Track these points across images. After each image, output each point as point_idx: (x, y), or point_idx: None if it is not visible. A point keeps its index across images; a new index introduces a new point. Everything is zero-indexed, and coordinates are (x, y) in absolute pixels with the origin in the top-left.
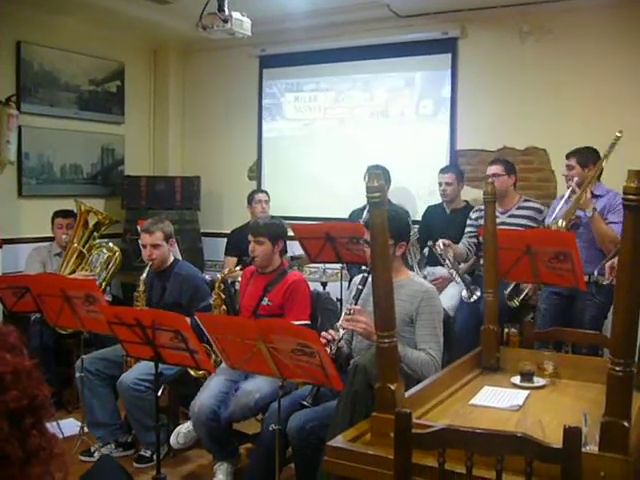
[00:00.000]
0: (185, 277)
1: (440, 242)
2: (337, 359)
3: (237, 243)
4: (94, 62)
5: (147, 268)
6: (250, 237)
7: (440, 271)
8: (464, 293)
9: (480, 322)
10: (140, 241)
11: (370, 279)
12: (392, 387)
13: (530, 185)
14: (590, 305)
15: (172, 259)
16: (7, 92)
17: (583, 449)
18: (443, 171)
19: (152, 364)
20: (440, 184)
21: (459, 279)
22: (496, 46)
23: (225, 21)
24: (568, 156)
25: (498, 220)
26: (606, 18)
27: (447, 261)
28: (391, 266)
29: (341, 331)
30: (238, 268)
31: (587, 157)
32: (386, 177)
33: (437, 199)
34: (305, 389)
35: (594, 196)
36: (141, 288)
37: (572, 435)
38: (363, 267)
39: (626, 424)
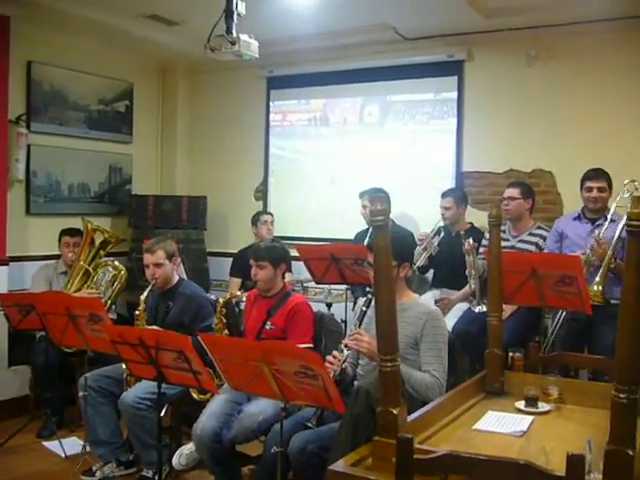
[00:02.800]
0: (189, 296)
1: None
2: (342, 381)
3: (241, 265)
4: (103, 82)
5: (148, 287)
6: (252, 261)
7: (446, 293)
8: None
9: (480, 329)
10: (144, 261)
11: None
12: (394, 411)
13: (536, 207)
14: (609, 328)
15: (177, 278)
16: (17, 111)
17: (587, 477)
18: (443, 196)
19: (153, 382)
20: (441, 208)
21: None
22: (502, 69)
23: (233, 43)
24: (597, 178)
25: (508, 243)
26: (613, 42)
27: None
28: (394, 289)
29: (345, 352)
30: (239, 292)
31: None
32: (386, 200)
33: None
34: (308, 410)
35: (607, 220)
36: (141, 307)
37: (575, 463)
38: (367, 289)
39: (630, 452)
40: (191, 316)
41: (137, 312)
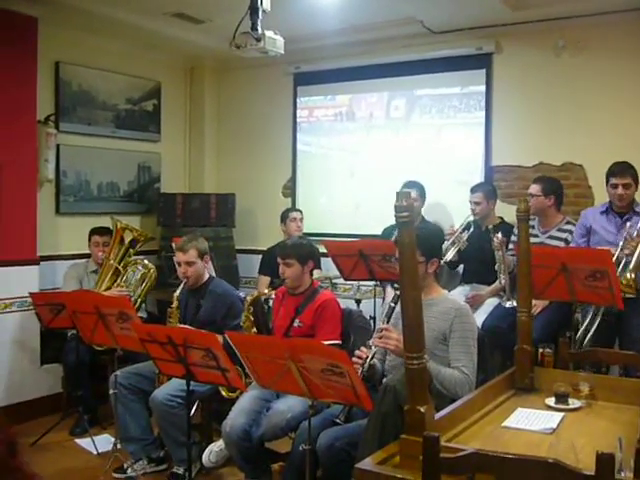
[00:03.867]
0: (220, 294)
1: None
2: (370, 377)
3: (270, 262)
4: (131, 81)
5: (181, 285)
6: (279, 259)
7: (476, 288)
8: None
9: (510, 325)
10: (175, 259)
11: None
12: (421, 409)
13: (567, 201)
14: None
15: (207, 276)
16: (46, 111)
17: (617, 475)
18: (472, 190)
19: (184, 380)
20: (470, 203)
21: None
22: (531, 61)
23: (258, 40)
24: (622, 174)
25: (537, 239)
26: None
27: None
28: (420, 285)
29: (373, 348)
30: (266, 290)
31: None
32: (421, 192)
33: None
34: (336, 407)
35: (636, 213)
36: (174, 305)
37: (605, 461)
38: (396, 285)
39: None
40: (223, 314)
41: (170, 309)
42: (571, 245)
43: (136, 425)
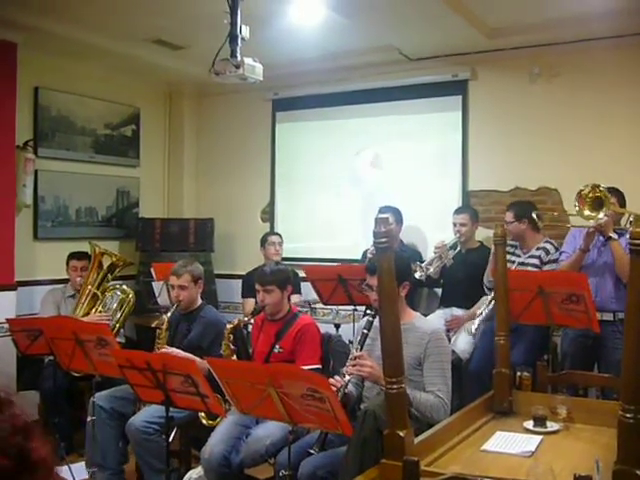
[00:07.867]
0: (209, 321)
1: None
2: (345, 405)
3: (252, 285)
4: (110, 107)
5: (173, 308)
6: (258, 287)
7: (456, 312)
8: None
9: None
10: (169, 282)
11: (376, 323)
12: (401, 434)
13: (543, 225)
14: (620, 345)
15: (200, 302)
16: (24, 137)
17: None
18: (457, 212)
19: (160, 407)
20: (455, 224)
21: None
22: (506, 87)
23: (237, 67)
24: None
25: (519, 259)
26: (616, 58)
27: None
28: (399, 311)
29: (347, 377)
30: (246, 318)
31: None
32: (397, 217)
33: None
34: (312, 436)
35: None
36: (164, 327)
37: None
38: (368, 311)
39: (638, 473)
40: (210, 341)
41: (159, 331)
42: (563, 256)
43: (110, 453)
